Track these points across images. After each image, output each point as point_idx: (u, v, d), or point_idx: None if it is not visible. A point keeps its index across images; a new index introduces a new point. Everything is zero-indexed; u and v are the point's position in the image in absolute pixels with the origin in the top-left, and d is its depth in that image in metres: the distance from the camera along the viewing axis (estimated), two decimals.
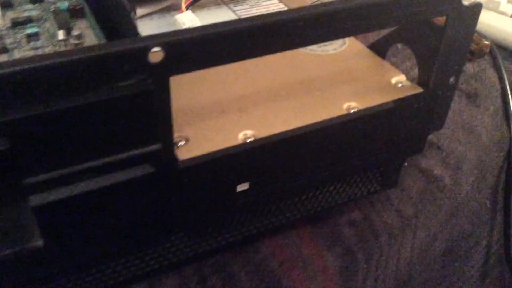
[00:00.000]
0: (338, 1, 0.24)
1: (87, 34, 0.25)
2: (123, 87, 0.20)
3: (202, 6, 0.36)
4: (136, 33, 0.23)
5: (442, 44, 0.27)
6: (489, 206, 0.43)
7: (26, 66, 0.18)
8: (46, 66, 0.18)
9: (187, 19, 0.33)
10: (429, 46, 0.28)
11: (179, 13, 0.34)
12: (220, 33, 0.21)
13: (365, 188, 0.33)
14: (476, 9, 0.27)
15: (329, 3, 0.24)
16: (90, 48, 0.19)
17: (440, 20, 0.27)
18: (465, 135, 0.43)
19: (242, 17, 0.36)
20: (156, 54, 0.20)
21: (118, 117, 0.20)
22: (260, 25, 0.22)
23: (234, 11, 0.36)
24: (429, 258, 0.39)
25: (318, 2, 0.50)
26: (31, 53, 0.24)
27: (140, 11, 0.34)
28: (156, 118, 0.21)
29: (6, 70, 0.17)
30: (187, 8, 0.34)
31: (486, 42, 0.47)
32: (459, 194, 0.40)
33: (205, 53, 0.21)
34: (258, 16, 0.22)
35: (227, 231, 0.29)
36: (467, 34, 0.28)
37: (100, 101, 0.20)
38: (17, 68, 0.17)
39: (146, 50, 0.20)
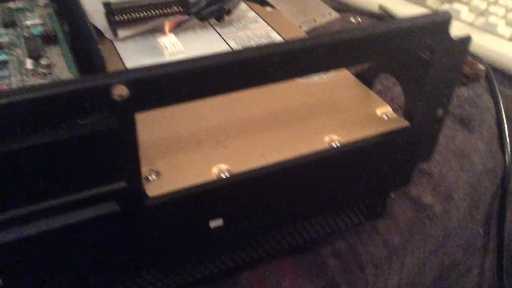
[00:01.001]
0: (322, 35, 0.23)
1: (58, 62, 0.25)
2: (84, 125, 0.19)
3: (188, 28, 0.36)
4: (103, 68, 0.22)
5: (428, 78, 0.26)
6: (481, 234, 0.42)
7: None
8: (1, 105, 0.17)
9: (169, 43, 0.32)
10: (415, 79, 0.27)
11: (162, 35, 0.33)
12: (187, 70, 0.20)
13: (349, 220, 0.32)
14: (465, 43, 0.26)
15: (313, 37, 0.23)
16: (48, 85, 0.18)
17: (427, 53, 0.26)
18: (458, 162, 0.41)
19: (228, 40, 0.35)
20: (119, 91, 0.19)
21: (79, 155, 0.20)
22: (232, 61, 0.21)
23: (220, 34, 0.36)
24: None
25: (312, 23, 0.49)
26: None
27: (122, 33, 0.33)
28: (120, 155, 0.20)
29: None
30: (170, 31, 0.33)
31: (482, 67, 0.46)
32: (450, 222, 0.39)
33: (172, 89, 0.20)
34: (231, 52, 0.21)
35: (202, 265, 0.28)
36: (456, 67, 0.27)
37: (58, 139, 0.19)
38: None
39: (109, 87, 0.19)
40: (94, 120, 0.19)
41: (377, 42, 0.24)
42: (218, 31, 0.36)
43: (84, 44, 0.24)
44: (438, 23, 0.25)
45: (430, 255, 0.38)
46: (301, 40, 0.22)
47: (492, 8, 0.52)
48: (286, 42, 0.22)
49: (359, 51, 0.23)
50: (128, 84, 0.19)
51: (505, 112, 0.45)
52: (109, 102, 0.19)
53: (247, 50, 0.21)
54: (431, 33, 0.25)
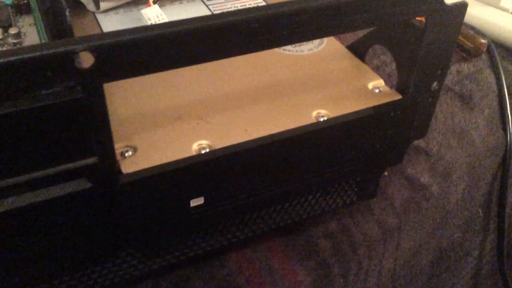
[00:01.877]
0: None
1: (29, 32, 0.23)
2: (48, 96, 0.18)
3: (174, 0, 0.34)
4: (70, 35, 0.20)
5: (421, 47, 0.25)
6: (481, 214, 0.41)
7: None
8: None
9: (153, 14, 0.31)
10: (408, 49, 0.26)
11: (146, 6, 0.32)
12: (160, 36, 0.18)
13: (340, 200, 0.31)
14: (460, 9, 0.25)
15: (299, 1, 0.21)
16: (6, 52, 0.17)
17: (421, 21, 0.25)
18: (457, 140, 0.40)
19: (216, 11, 0.34)
20: (84, 59, 0.18)
21: (44, 128, 0.18)
22: (210, 26, 0.19)
23: (207, 6, 0.34)
24: (414, 270, 0.37)
25: None
26: None
27: (104, 4, 0.32)
28: (89, 129, 0.19)
29: None
30: (154, 2, 0.32)
31: (483, 41, 0.44)
32: (448, 203, 0.38)
33: (143, 57, 0.19)
34: (208, 16, 0.20)
35: (186, 246, 0.27)
36: (451, 37, 0.25)
37: (20, 111, 0.18)
38: None
39: (72, 54, 0.17)
40: (58, 90, 0.18)
41: (365, 7, 0.22)
42: (205, 2, 0.34)
43: (56, 14, 0.23)
44: None
45: (427, 237, 0.37)
46: (285, 4, 0.21)
47: None
48: (268, 6, 0.20)
49: (348, 17, 0.22)
50: (93, 50, 0.18)
51: (507, 88, 0.43)
52: (73, 70, 0.18)
53: (227, 14, 0.20)
54: None
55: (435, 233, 0.38)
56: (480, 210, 0.41)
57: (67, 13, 0.21)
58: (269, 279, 0.30)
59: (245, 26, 0.20)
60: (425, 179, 0.37)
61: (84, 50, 0.17)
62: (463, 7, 0.25)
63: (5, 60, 0.17)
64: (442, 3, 0.24)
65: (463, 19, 0.25)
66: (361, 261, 0.33)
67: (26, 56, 0.17)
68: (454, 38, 0.26)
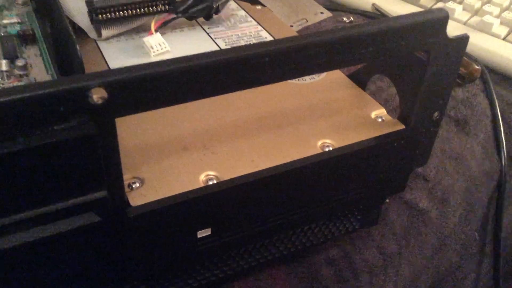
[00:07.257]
0: (313, 34, 0.21)
1: (36, 63, 0.23)
2: (60, 131, 0.18)
3: (175, 27, 0.34)
4: (81, 71, 0.20)
5: (425, 79, 0.25)
6: (477, 238, 0.41)
7: None
8: None
9: (155, 43, 0.31)
10: (411, 80, 0.26)
11: (148, 35, 0.32)
12: (171, 71, 0.19)
13: (343, 227, 0.31)
14: (462, 42, 0.25)
15: (304, 36, 0.21)
16: (19, 88, 0.17)
17: (423, 52, 0.25)
18: (453, 165, 0.40)
19: (217, 39, 0.34)
20: (98, 94, 0.18)
21: (54, 163, 0.18)
22: (220, 61, 0.20)
23: (208, 33, 0.34)
24: None
25: (304, 22, 0.48)
26: None
27: (106, 32, 0.32)
28: (100, 163, 0.19)
29: None
30: (156, 30, 0.32)
31: (477, 67, 0.45)
32: (446, 227, 0.38)
33: (155, 93, 0.19)
34: (216, 51, 0.20)
35: (190, 276, 0.27)
36: (453, 68, 0.26)
37: (32, 147, 0.17)
38: None
39: (85, 90, 0.17)
40: (70, 125, 0.18)
41: (371, 41, 0.22)
42: (206, 30, 0.35)
43: (63, 45, 0.23)
44: (435, 21, 0.24)
45: (426, 262, 0.37)
46: (291, 39, 0.21)
47: (487, 7, 0.51)
48: (276, 41, 0.21)
49: (353, 51, 0.22)
50: (106, 86, 0.18)
51: (500, 113, 0.44)
52: (86, 106, 0.18)
53: (235, 49, 0.20)
54: (428, 32, 0.24)
55: (433, 257, 0.38)
56: (476, 234, 0.41)
57: (78, 48, 0.21)
58: None
59: (257, 60, 0.20)
60: (423, 204, 0.38)
61: (98, 86, 0.17)
62: (464, 39, 0.25)
63: (19, 96, 0.16)
64: (446, 36, 0.24)
65: (464, 50, 0.26)
66: None
67: (40, 92, 0.17)
68: (456, 68, 0.26)
